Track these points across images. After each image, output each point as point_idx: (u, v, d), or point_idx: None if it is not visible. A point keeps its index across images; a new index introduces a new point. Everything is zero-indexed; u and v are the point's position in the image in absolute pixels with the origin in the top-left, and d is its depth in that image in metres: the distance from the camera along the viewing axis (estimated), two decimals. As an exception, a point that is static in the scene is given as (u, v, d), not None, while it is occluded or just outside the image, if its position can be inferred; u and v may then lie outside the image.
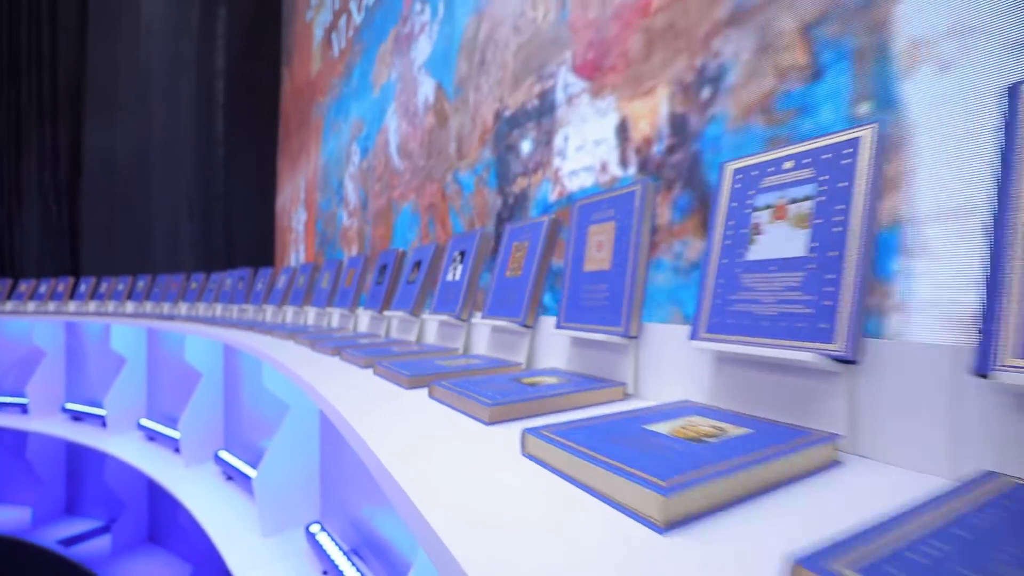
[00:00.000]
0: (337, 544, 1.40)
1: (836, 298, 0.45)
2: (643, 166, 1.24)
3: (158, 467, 2.30)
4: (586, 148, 1.42)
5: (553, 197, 1.57)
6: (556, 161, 1.54)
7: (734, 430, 0.44)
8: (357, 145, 3.36)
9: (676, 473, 0.34)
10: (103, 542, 2.96)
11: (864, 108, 0.84)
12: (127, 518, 2.88)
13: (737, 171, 0.58)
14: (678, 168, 1.16)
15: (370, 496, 1.31)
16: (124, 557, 2.79)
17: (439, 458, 0.46)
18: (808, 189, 0.50)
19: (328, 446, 1.63)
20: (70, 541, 2.99)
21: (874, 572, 0.23)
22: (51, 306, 4.00)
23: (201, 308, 3.12)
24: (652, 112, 1.22)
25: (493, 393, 0.62)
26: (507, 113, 1.78)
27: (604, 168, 1.36)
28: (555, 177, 1.56)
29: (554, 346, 0.86)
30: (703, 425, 0.46)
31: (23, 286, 4.53)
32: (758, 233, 0.53)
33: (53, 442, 3.10)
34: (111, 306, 3.76)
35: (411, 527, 0.37)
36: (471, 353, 1.11)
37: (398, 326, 1.44)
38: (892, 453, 0.42)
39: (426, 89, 2.43)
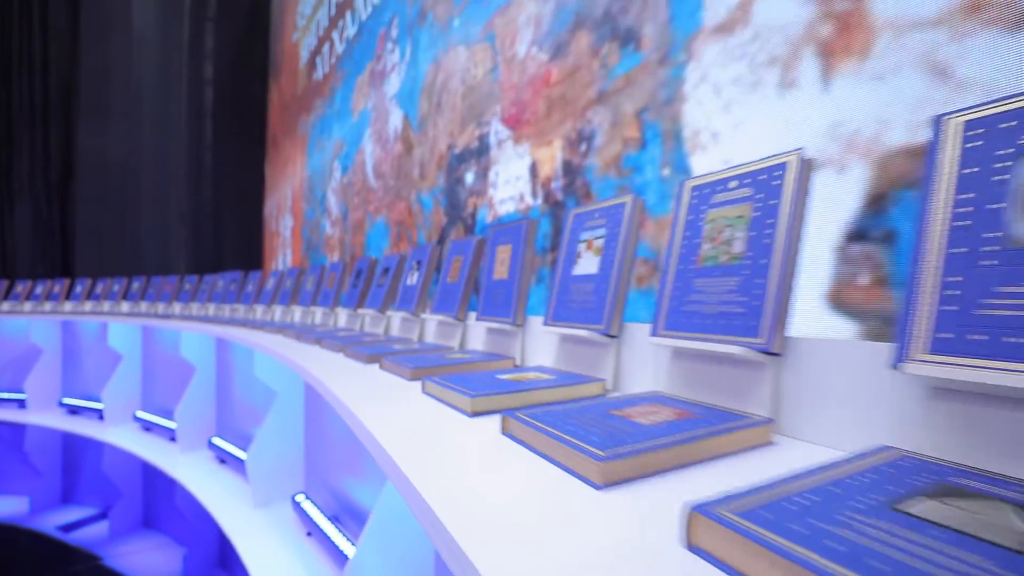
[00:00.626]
0: (319, 509, 1.60)
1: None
2: (546, 197, 1.64)
3: (155, 454, 2.51)
4: (510, 182, 1.82)
5: (489, 219, 1.96)
6: (491, 191, 1.94)
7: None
8: (339, 162, 3.73)
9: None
10: (100, 527, 3.13)
11: (667, 171, 1.25)
12: (123, 504, 3.06)
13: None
14: (562, 200, 1.56)
15: (349, 468, 1.49)
16: (121, 540, 2.97)
17: (405, 414, 0.61)
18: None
19: (312, 425, 1.85)
20: (69, 527, 3.15)
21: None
22: (47, 306, 4.14)
23: (194, 308, 3.40)
24: (551, 158, 1.62)
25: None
26: (456, 149, 2.18)
27: (521, 198, 1.75)
28: (491, 203, 1.95)
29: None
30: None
31: (19, 287, 4.73)
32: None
33: (51, 434, 3.30)
34: (107, 306, 3.94)
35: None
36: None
37: (370, 322, 1.78)
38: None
39: (396, 119, 2.81)
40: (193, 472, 2.25)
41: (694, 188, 0.65)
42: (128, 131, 6.98)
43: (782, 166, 0.55)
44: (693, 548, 0.29)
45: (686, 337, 0.59)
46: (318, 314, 2.22)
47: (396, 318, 1.56)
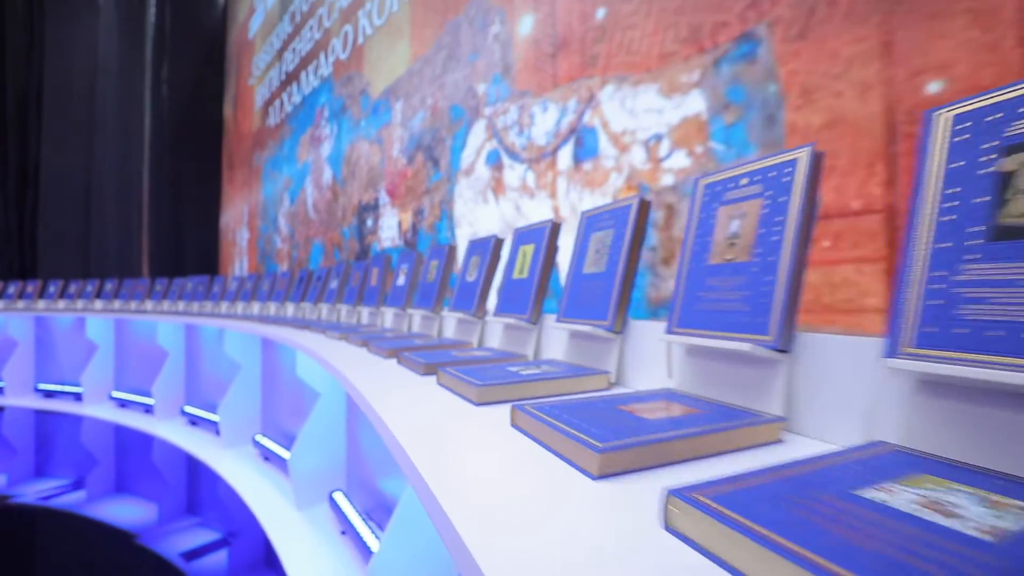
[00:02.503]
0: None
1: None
2: (405, 241, 2.91)
3: (130, 419, 3.14)
4: (387, 229, 3.08)
5: (378, 249, 3.21)
6: (379, 232, 3.19)
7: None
8: (287, 194, 4.87)
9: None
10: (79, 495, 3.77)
11: (448, 234, 2.55)
12: (97, 472, 3.28)
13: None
14: (413, 243, 2.84)
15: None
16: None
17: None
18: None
19: (268, 379, 2.99)
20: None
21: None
22: (20, 304, 4.58)
23: (166, 304, 4.18)
24: (407, 219, 2.89)
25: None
26: (362, 203, 3.43)
27: (393, 241, 3.02)
28: (379, 240, 3.20)
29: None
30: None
31: (-2, 287, 5.43)
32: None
33: (25, 414, 3.61)
34: (80, 304, 4.47)
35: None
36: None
37: (309, 310, 2.96)
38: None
39: (328, 174, 4.03)
40: (167, 431, 3.08)
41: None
42: (89, 144, 7.71)
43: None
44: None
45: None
46: (272, 307, 3.33)
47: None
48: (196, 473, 2.52)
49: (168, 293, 4.45)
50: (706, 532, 0.29)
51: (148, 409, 3.28)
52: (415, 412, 0.64)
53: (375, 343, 1.26)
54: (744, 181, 0.60)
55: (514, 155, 2.19)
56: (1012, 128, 0.39)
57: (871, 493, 0.31)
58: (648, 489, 0.38)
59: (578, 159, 1.89)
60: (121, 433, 3.23)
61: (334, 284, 2.42)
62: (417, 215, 2.83)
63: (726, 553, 0.27)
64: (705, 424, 0.47)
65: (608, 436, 0.43)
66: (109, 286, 4.87)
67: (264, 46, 5.67)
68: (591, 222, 0.91)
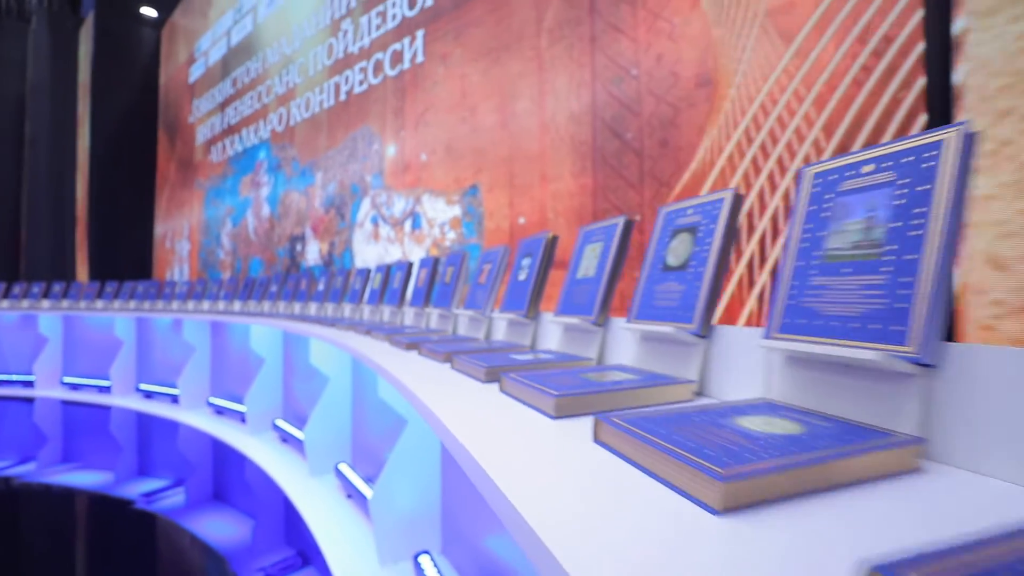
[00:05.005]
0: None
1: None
2: (324, 263, 4.60)
3: (88, 397, 4.86)
4: (311, 253, 4.76)
5: (306, 266, 4.86)
6: (307, 255, 4.85)
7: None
8: (230, 219, 6.28)
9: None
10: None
11: (349, 261, 4.32)
12: (46, 450, 3.76)
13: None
14: (330, 263, 4.55)
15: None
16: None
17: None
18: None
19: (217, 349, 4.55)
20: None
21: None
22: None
23: (117, 304, 5.12)
24: (324, 248, 4.59)
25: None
26: (293, 234, 5.06)
27: (315, 261, 4.69)
28: (306, 260, 4.86)
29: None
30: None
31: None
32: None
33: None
34: (25, 303, 5.43)
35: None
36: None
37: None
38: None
39: (266, 209, 5.57)
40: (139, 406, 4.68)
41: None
42: (18, 157, 8.39)
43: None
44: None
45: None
46: (221, 304, 4.84)
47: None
48: (148, 434, 4.05)
49: (119, 294, 5.69)
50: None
51: (103, 390, 4.18)
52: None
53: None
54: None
55: (384, 220, 4.00)
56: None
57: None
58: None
59: (413, 227, 3.73)
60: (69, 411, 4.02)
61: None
62: (331, 246, 4.54)
63: None
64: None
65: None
66: (57, 288, 5.96)
67: (206, 95, 7.00)
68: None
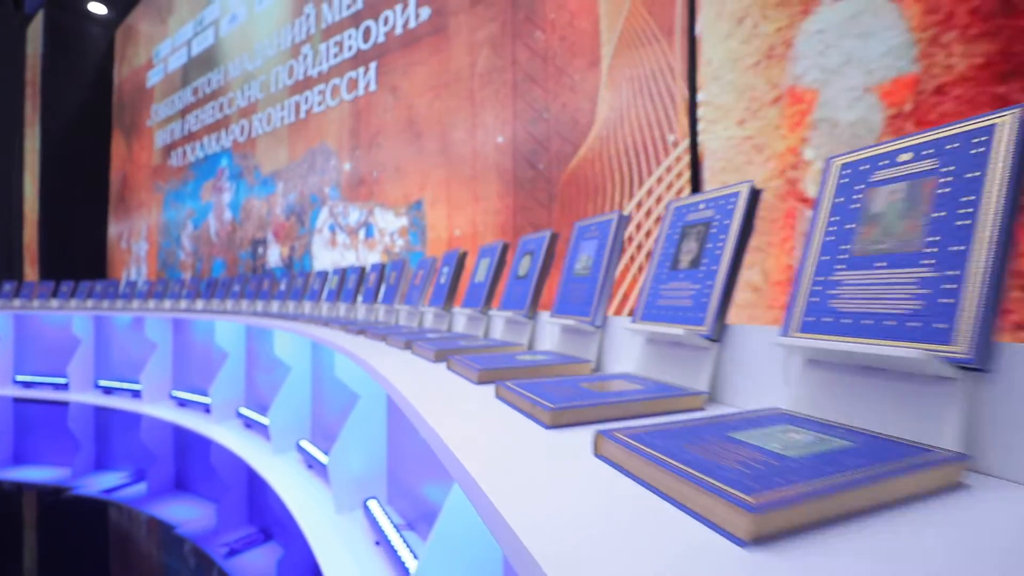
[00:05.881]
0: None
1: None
2: (285, 265, 4.99)
3: (43, 394, 5.10)
4: (274, 256, 5.14)
5: (267, 268, 5.22)
6: (268, 258, 5.23)
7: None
8: (191, 221, 6.53)
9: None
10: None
11: (310, 263, 4.75)
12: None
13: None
14: (291, 265, 4.96)
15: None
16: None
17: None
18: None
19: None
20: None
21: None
22: None
23: (74, 303, 5.21)
24: (285, 252, 4.99)
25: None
26: (255, 238, 5.42)
27: (276, 263, 5.08)
28: (267, 262, 5.24)
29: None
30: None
31: None
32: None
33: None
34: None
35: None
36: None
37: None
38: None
39: (228, 214, 5.89)
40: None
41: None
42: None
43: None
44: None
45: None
46: (183, 303, 5.15)
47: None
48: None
49: (76, 292, 5.87)
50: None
51: (60, 387, 4.35)
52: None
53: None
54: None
55: (340, 228, 4.46)
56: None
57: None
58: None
59: (366, 235, 4.21)
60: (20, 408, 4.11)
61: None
62: (291, 250, 4.95)
63: None
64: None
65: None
66: (7, 287, 6.08)
67: (165, 101, 7.20)
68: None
